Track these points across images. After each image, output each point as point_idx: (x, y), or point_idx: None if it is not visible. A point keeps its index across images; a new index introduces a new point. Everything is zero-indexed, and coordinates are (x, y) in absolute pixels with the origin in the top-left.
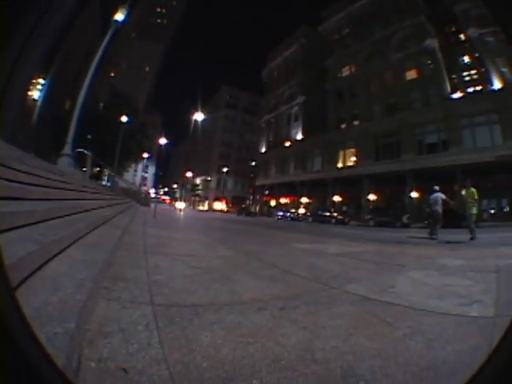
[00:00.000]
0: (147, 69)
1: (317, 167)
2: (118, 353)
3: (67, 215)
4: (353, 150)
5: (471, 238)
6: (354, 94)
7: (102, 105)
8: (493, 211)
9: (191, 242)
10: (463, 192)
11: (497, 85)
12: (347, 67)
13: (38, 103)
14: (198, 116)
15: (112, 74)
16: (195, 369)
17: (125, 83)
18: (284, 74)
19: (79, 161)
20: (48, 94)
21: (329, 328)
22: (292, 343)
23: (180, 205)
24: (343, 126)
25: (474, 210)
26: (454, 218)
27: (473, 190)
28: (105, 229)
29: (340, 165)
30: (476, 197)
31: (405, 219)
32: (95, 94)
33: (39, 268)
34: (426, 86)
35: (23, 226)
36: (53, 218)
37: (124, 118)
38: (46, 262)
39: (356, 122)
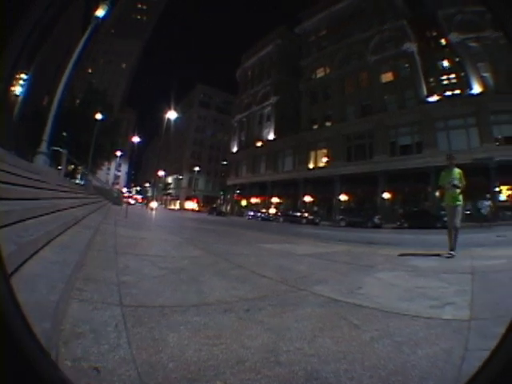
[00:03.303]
0: (124, 65)
1: (288, 167)
2: (91, 353)
3: (42, 215)
4: (324, 150)
5: (451, 251)
6: (327, 95)
7: (78, 101)
8: (468, 212)
9: (161, 242)
10: (443, 172)
11: (477, 89)
12: (322, 68)
13: (19, 99)
14: (171, 114)
15: (90, 71)
16: (162, 369)
17: (101, 80)
18: (258, 73)
19: (54, 159)
20: (27, 90)
21: (294, 330)
22: (257, 345)
23: (152, 204)
24: (315, 126)
25: (460, 201)
26: (427, 218)
27: (458, 170)
28: (77, 229)
29: (311, 165)
30: (463, 180)
31: (376, 220)
32: (72, 90)
33: (16, 270)
34: (401, 89)
35: (2, 226)
36: (29, 218)
37: (99, 115)
38: (22, 264)
39: (328, 123)
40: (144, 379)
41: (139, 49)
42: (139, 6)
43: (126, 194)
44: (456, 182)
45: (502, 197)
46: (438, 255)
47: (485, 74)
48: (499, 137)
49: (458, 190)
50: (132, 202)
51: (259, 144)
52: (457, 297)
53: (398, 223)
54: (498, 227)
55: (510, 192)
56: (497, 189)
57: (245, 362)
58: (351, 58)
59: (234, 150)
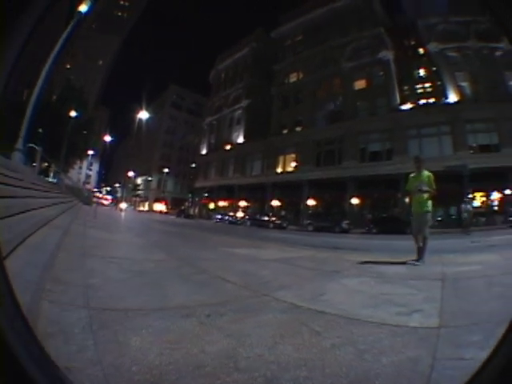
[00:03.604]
0: (100, 62)
1: (256, 171)
2: (61, 353)
3: (17, 214)
4: (293, 155)
5: (417, 260)
6: (299, 100)
7: (54, 97)
8: (439, 218)
9: (128, 244)
10: (412, 175)
11: (453, 98)
12: (296, 73)
13: None
14: (143, 114)
15: (68, 66)
16: (126, 372)
17: (78, 76)
18: (232, 76)
19: (29, 156)
20: (7, 84)
21: (255, 336)
22: (216, 350)
23: (122, 205)
24: (285, 131)
25: (428, 207)
26: (396, 224)
27: (427, 173)
28: (48, 229)
29: (280, 170)
30: (434, 184)
31: (344, 225)
32: (51, 85)
33: None
34: (374, 96)
35: None
36: (2, 218)
37: (73, 113)
38: None
39: (299, 128)
40: (110, 381)
41: (117, 46)
42: (121, 2)
43: (96, 194)
44: (424, 187)
45: (476, 203)
46: (405, 263)
47: (463, 84)
48: (474, 145)
49: (426, 196)
50: (106, 202)
51: (228, 147)
52: (425, 304)
53: (367, 229)
54: (478, 233)
55: (484, 199)
56: (470, 196)
57: (205, 367)
58: (326, 63)
59: (204, 152)
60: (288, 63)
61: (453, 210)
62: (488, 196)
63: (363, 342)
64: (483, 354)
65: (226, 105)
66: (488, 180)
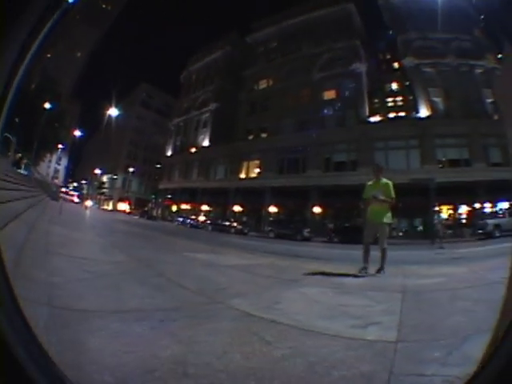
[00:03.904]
0: (79, 54)
1: (220, 176)
2: None
3: None
4: (257, 161)
5: (379, 270)
6: (267, 106)
7: (33, 87)
8: (403, 230)
9: (89, 243)
10: (369, 183)
11: (424, 113)
12: (266, 80)
13: None
14: (113, 111)
15: (48, 56)
16: (83, 372)
17: (56, 66)
18: (202, 78)
19: (4, 146)
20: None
21: (205, 344)
22: (167, 356)
23: (87, 203)
24: (251, 137)
25: (389, 218)
26: (358, 234)
27: (385, 181)
28: (16, 224)
29: (243, 175)
30: (392, 193)
31: (306, 233)
32: (32, 74)
33: None
34: (343, 107)
35: None
36: None
37: (47, 104)
38: None
39: (264, 135)
40: (68, 381)
41: (96, 39)
42: None
43: (63, 190)
44: (380, 196)
45: (443, 216)
46: (365, 273)
47: (435, 99)
48: (443, 159)
49: (383, 205)
50: (76, 200)
51: (193, 150)
52: (384, 316)
53: (328, 238)
54: (444, 245)
55: (451, 212)
56: (436, 208)
57: (155, 371)
58: (297, 72)
59: (169, 153)
60: (259, 69)
61: (417, 222)
62: (456, 209)
63: (315, 354)
64: (445, 371)
65: (195, 107)
66: (457, 193)
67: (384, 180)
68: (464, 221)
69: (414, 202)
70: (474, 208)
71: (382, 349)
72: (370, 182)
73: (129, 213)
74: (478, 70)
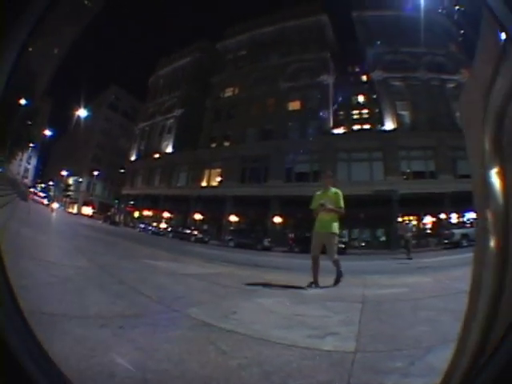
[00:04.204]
0: (56, 51)
1: (181, 183)
2: None
3: None
4: (219, 170)
5: (336, 281)
6: (231, 115)
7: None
8: (363, 242)
9: (54, 248)
10: (318, 193)
11: (389, 126)
12: (232, 88)
13: None
14: (82, 112)
15: (30, 49)
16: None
17: (33, 62)
18: (170, 84)
19: None
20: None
21: (163, 351)
22: (126, 362)
23: (54, 205)
24: (214, 145)
25: (337, 228)
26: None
27: (335, 190)
28: None
29: (204, 183)
30: (341, 203)
31: (266, 242)
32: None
33: None
34: (307, 118)
35: None
36: None
37: (23, 101)
38: None
39: (227, 143)
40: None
41: (74, 36)
42: None
43: (32, 190)
44: (328, 205)
45: (411, 227)
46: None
47: (403, 112)
48: (408, 171)
49: (332, 215)
50: (46, 201)
51: (157, 156)
52: (342, 327)
53: (289, 247)
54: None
55: (414, 222)
56: (399, 219)
57: (115, 376)
58: (263, 81)
59: (133, 158)
60: (226, 77)
61: (380, 233)
62: (421, 220)
63: (271, 363)
64: (408, 381)
65: (160, 112)
66: (423, 204)
67: (333, 189)
68: (430, 231)
69: (378, 213)
70: (439, 218)
71: (340, 359)
72: (318, 192)
73: (90, 216)
74: (450, 85)
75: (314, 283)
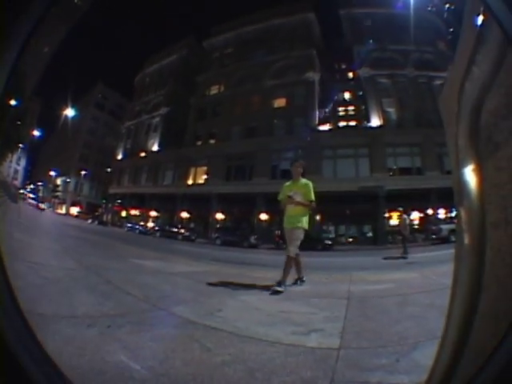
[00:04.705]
0: (46, 50)
1: (168, 181)
2: None
3: None
4: (204, 168)
5: (297, 280)
6: (217, 113)
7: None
8: (351, 238)
9: (43, 249)
10: (287, 183)
11: (375, 122)
12: (217, 86)
13: None
14: (69, 111)
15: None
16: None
17: (26, 61)
18: (156, 82)
19: None
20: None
21: (148, 349)
22: (115, 360)
23: (43, 206)
24: (199, 143)
25: (304, 223)
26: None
27: (304, 181)
28: None
29: (190, 181)
30: (312, 195)
31: (253, 240)
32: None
33: None
34: (292, 115)
35: None
36: None
37: (13, 101)
38: None
39: (212, 141)
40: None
41: (64, 35)
42: None
43: (22, 192)
44: (296, 197)
45: (393, 222)
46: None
47: (389, 109)
48: (394, 167)
49: (300, 208)
50: (35, 203)
51: (143, 154)
52: (326, 323)
53: (275, 244)
54: (394, 250)
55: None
56: (386, 215)
57: (105, 373)
58: (249, 79)
59: (119, 157)
60: (212, 75)
61: (366, 228)
62: (408, 215)
63: (254, 360)
64: (393, 378)
65: (146, 111)
66: (410, 200)
67: (303, 180)
68: (417, 227)
69: (364, 209)
70: (427, 214)
71: (324, 355)
72: (287, 183)
73: (76, 216)
74: (438, 82)
75: (280, 283)
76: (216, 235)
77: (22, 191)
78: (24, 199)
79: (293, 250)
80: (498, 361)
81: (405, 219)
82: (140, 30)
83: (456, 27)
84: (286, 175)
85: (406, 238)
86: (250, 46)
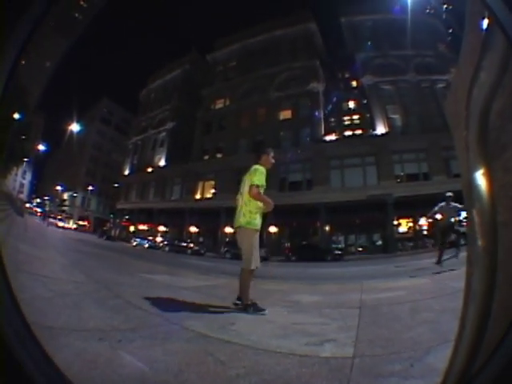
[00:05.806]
0: (48, 64)
1: (176, 196)
2: None
3: None
4: (212, 182)
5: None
6: (223, 126)
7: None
8: (361, 247)
9: (51, 262)
10: (247, 176)
11: (381, 130)
12: (222, 99)
13: None
14: (75, 126)
15: (23, 62)
16: None
17: (26, 74)
18: (161, 97)
19: None
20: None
21: (162, 363)
22: (127, 373)
23: (49, 220)
24: (206, 157)
25: (253, 220)
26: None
27: (257, 167)
28: None
29: (198, 196)
30: (256, 180)
31: (263, 253)
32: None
33: None
34: (298, 127)
35: None
36: None
37: (16, 115)
38: None
39: (219, 155)
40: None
41: (65, 49)
42: (82, 2)
43: (28, 206)
44: (244, 187)
45: (403, 229)
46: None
47: (393, 116)
48: (401, 174)
49: (252, 202)
50: (41, 217)
51: (150, 169)
52: (339, 333)
53: (285, 256)
54: (404, 258)
55: (410, 225)
56: (395, 222)
57: None
58: (254, 92)
59: (126, 172)
60: (216, 89)
61: (376, 237)
62: (416, 222)
63: (269, 372)
64: (407, 383)
65: (152, 126)
66: (418, 206)
67: (256, 166)
68: (427, 232)
69: (373, 217)
70: (436, 219)
71: (338, 365)
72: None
73: (75, 229)
74: (441, 85)
75: (238, 299)
76: (225, 249)
77: (28, 205)
78: (30, 213)
79: (251, 262)
80: (497, 360)
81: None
82: (145, 45)
83: (455, 28)
84: (295, 187)
85: (459, 234)
86: (253, 59)
